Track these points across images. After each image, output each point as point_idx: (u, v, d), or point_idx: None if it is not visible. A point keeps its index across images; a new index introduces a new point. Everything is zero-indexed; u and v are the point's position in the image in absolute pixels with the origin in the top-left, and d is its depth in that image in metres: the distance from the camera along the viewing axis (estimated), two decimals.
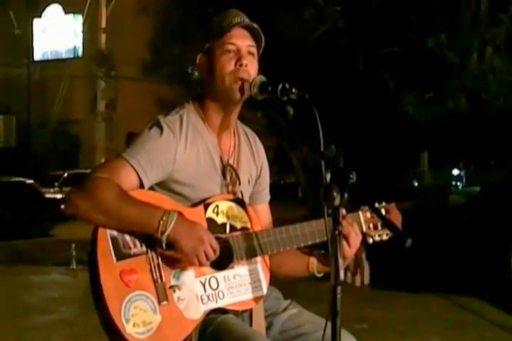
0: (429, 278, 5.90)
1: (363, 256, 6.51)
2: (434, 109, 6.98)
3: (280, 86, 1.76)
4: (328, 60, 7.36)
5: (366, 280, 6.52)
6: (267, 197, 2.03)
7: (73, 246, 8.08)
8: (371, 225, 1.93)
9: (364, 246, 1.92)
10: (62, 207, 1.72)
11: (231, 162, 1.89)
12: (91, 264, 1.67)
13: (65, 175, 19.12)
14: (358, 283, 6.58)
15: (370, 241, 1.93)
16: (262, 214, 1.96)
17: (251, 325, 1.85)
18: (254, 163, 1.97)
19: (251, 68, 1.81)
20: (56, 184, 18.81)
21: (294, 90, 1.76)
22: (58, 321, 5.30)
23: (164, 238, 1.66)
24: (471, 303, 5.41)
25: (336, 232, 1.56)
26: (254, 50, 1.84)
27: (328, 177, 1.58)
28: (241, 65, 1.80)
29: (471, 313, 5.16)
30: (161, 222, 1.66)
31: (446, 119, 7.38)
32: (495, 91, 6.65)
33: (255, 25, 1.82)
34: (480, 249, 5.67)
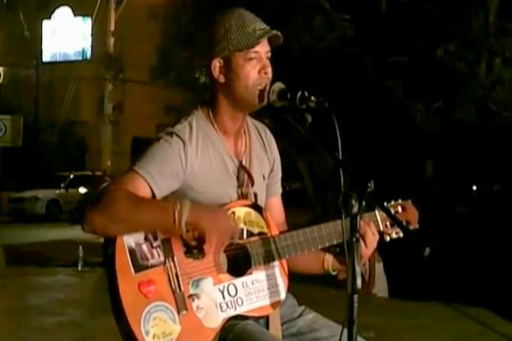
0: (437, 287, 5.87)
1: (376, 265, 6.40)
2: (442, 117, 6.99)
3: (299, 93, 1.76)
4: (337, 68, 7.38)
5: (379, 292, 6.35)
6: (279, 190, 2.02)
7: (80, 247, 8.09)
8: (388, 223, 1.92)
9: (379, 255, 1.93)
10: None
11: (244, 163, 1.89)
12: (109, 277, 1.67)
13: (71, 176, 19.18)
14: (367, 291, 6.50)
15: (388, 239, 1.93)
16: (275, 208, 1.96)
17: (268, 330, 1.85)
18: (266, 158, 1.97)
19: (270, 74, 1.83)
20: (62, 185, 18.88)
21: (313, 98, 1.76)
22: (65, 323, 5.27)
23: (183, 223, 1.65)
24: (478, 313, 5.36)
25: (354, 239, 1.57)
26: (270, 54, 1.85)
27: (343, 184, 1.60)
28: (266, 73, 1.81)
29: (478, 323, 5.10)
30: (176, 212, 1.65)
31: (453, 128, 7.38)
32: (503, 102, 6.65)
33: (278, 33, 1.82)
34: (488, 257, 5.65)
